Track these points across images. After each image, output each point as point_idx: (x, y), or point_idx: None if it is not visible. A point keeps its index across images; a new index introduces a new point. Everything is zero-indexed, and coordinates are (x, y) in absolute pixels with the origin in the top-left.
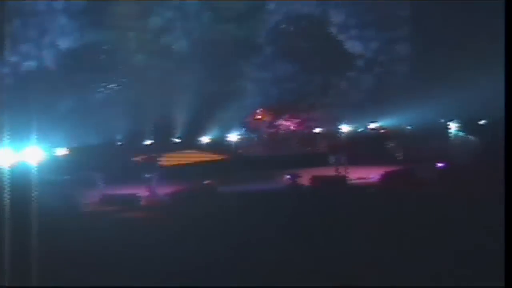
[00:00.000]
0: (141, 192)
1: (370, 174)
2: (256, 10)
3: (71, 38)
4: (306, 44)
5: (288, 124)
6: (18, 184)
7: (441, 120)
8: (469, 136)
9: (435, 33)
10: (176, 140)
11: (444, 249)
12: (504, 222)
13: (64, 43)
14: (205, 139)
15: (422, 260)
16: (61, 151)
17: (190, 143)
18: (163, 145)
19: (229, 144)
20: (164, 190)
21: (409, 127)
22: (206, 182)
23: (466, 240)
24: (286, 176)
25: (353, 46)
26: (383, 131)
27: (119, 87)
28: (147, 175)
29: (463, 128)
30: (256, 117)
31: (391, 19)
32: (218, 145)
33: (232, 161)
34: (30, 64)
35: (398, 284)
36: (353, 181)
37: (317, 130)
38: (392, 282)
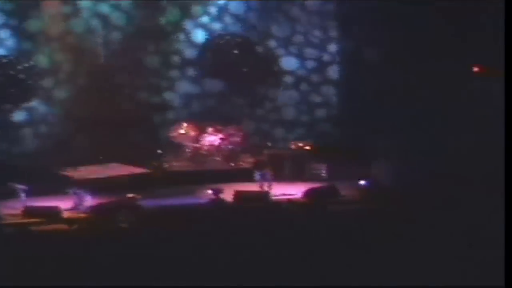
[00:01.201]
0: (64, 204)
1: (293, 191)
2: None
3: None
4: (236, 58)
5: (213, 139)
6: None
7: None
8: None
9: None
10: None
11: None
12: (504, 222)
13: None
14: (129, 152)
15: (346, 277)
16: None
17: (114, 155)
18: (87, 157)
19: (154, 158)
20: (87, 203)
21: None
22: (129, 195)
23: (389, 257)
24: (209, 191)
25: (288, 63)
26: (307, 148)
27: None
28: (72, 188)
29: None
30: (181, 131)
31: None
32: (143, 159)
33: (155, 175)
34: None
35: None
36: (276, 197)
37: (242, 145)
38: None
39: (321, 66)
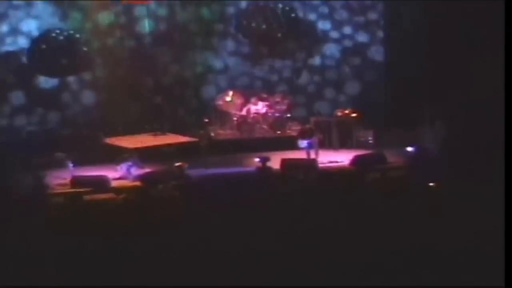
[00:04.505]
0: (112, 174)
1: (340, 158)
2: None
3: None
4: (276, 27)
5: (259, 107)
6: None
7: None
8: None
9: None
10: (148, 122)
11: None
12: (504, 222)
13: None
14: (176, 122)
15: (397, 247)
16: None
17: (160, 125)
18: (135, 128)
19: (200, 126)
20: (135, 172)
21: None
22: (176, 164)
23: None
24: (256, 159)
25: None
26: (353, 115)
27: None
28: (120, 157)
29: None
30: (227, 99)
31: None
32: (189, 128)
33: (202, 144)
34: None
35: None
36: (323, 165)
37: (288, 113)
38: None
39: (365, 29)
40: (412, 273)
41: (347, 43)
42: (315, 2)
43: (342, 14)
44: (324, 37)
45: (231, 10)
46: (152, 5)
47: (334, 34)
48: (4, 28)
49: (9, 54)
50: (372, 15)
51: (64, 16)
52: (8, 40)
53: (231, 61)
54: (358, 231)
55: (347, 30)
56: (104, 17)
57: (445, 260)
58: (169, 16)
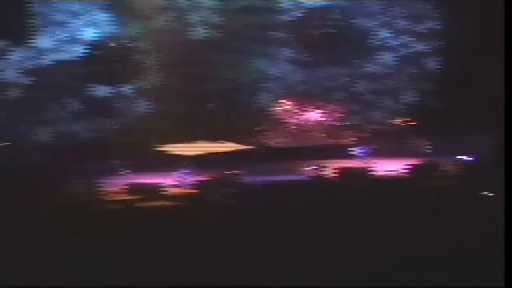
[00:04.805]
0: (167, 181)
1: (394, 166)
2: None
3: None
4: (331, 34)
5: (315, 115)
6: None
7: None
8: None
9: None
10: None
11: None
12: (504, 222)
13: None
14: (231, 130)
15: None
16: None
17: (215, 133)
18: (191, 135)
19: (255, 134)
20: (191, 179)
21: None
22: (232, 172)
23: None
24: (311, 168)
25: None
26: (408, 123)
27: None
28: (176, 165)
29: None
30: (283, 108)
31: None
32: (244, 135)
33: (258, 151)
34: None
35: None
36: (377, 173)
37: (343, 121)
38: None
39: (423, 40)
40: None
41: (405, 51)
42: (374, 10)
43: (401, 23)
44: (382, 46)
45: (287, 17)
46: (208, 12)
47: (392, 42)
48: (63, 36)
49: (68, 62)
50: (430, 25)
51: (120, 24)
52: (67, 47)
53: (287, 68)
54: (411, 235)
55: (406, 39)
56: (159, 25)
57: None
58: (225, 23)
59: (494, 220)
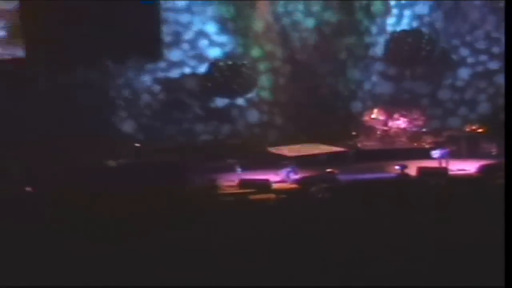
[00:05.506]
0: (273, 178)
1: (467, 167)
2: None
3: None
4: (419, 52)
5: (399, 123)
6: None
7: None
8: None
9: None
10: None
11: None
12: (504, 222)
13: None
14: (329, 133)
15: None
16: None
17: (316, 136)
18: (293, 138)
19: (349, 138)
20: (294, 176)
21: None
22: (328, 170)
23: None
24: (396, 167)
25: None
26: (480, 130)
27: None
28: (281, 164)
29: None
30: (372, 116)
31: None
32: (339, 139)
33: (351, 153)
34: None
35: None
36: (453, 172)
37: (424, 128)
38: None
39: (497, 59)
40: None
41: (480, 69)
42: (459, 32)
43: (482, 44)
44: (461, 62)
45: (382, 37)
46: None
47: (470, 60)
48: (191, 53)
49: (193, 75)
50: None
51: (240, 46)
52: (192, 63)
53: (379, 80)
54: (482, 229)
55: (483, 57)
56: (268, 45)
57: None
58: (322, 40)
59: None
